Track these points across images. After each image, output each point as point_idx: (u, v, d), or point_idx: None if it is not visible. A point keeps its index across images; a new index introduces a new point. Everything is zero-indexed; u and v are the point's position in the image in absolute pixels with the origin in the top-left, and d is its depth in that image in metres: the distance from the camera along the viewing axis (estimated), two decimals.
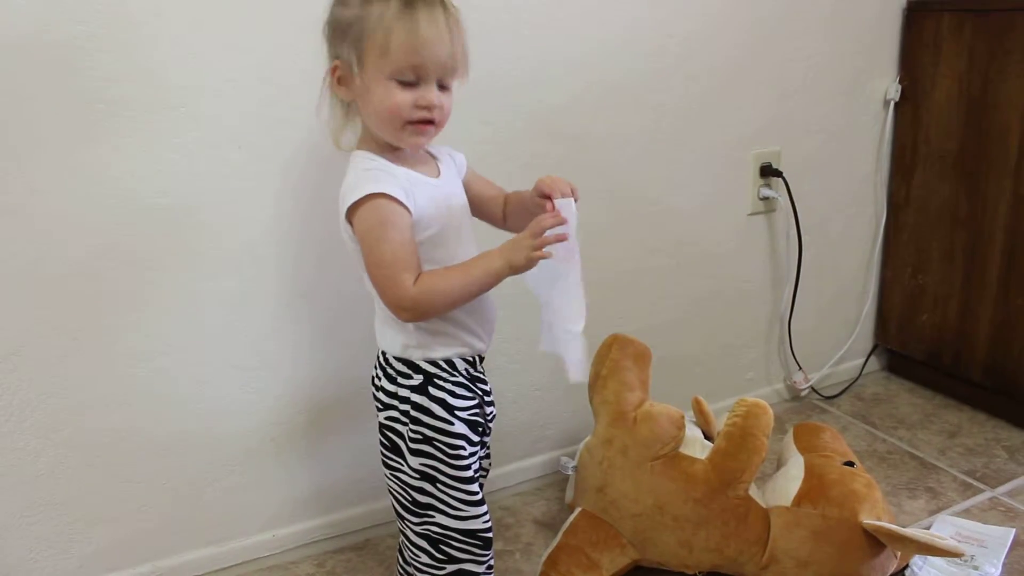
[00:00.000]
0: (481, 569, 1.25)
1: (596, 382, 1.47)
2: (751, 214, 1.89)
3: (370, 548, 1.58)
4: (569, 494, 1.54)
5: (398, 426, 1.18)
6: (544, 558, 1.43)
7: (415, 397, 1.16)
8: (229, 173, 1.36)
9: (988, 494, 1.68)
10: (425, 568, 1.24)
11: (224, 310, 1.42)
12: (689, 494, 1.38)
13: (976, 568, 1.43)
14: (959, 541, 1.47)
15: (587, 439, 1.49)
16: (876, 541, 1.34)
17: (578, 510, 1.46)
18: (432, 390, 1.17)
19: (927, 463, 1.80)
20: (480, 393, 1.23)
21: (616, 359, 1.46)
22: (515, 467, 1.75)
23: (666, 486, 1.38)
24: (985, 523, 1.57)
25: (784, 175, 1.86)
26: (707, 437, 1.52)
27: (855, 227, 2.06)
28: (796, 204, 1.88)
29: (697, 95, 1.73)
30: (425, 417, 1.17)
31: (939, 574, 1.43)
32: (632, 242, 1.75)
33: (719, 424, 1.46)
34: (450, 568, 1.23)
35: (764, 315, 1.99)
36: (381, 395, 1.19)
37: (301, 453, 1.54)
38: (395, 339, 1.17)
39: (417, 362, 1.17)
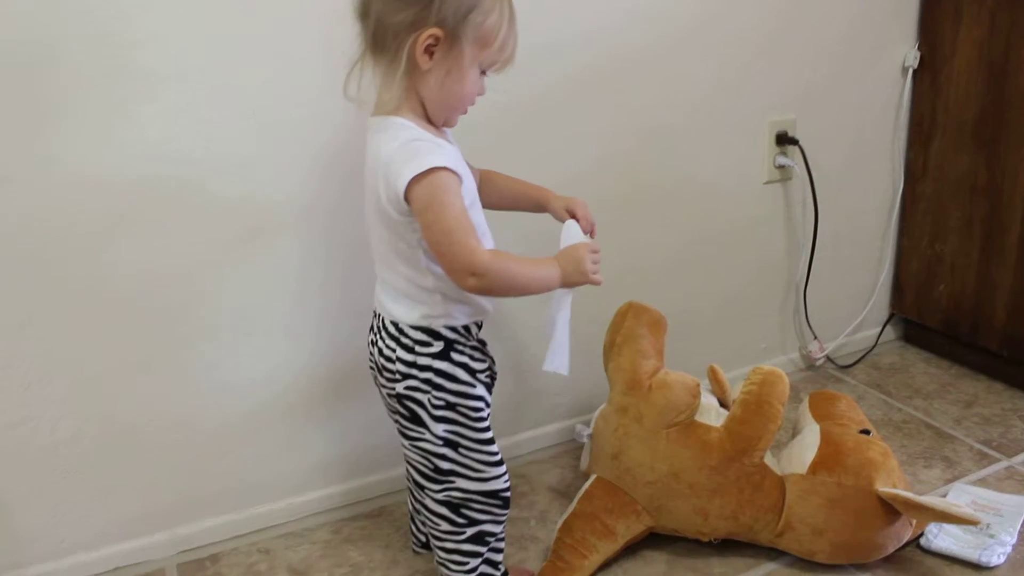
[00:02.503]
0: (499, 529, 1.27)
1: (611, 350, 1.47)
2: (767, 183, 1.88)
3: (385, 515, 1.59)
4: (584, 462, 1.54)
5: (418, 395, 1.18)
6: (559, 525, 1.43)
7: (437, 364, 1.17)
8: (244, 141, 1.36)
9: (1004, 463, 1.68)
10: (445, 535, 1.25)
11: (239, 279, 1.42)
12: (704, 462, 1.38)
13: (992, 536, 1.43)
14: (975, 509, 1.47)
15: (602, 407, 1.50)
16: (892, 509, 1.34)
17: (593, 477, 1.47)
18: (454, 355, 1.17)
19: (943, 432, 1.79)
20: (490, 355, 1.24)
21: (631, 327, 1.46)
22: (530, 435, 1.76)
23: (681, 454, 1.38)
24: (1001, 492, 1.57)
25: (800, 143, 1.85)
26: (722, 405, 1.52)
27: (872, 196, 2.05)
28: (812, 172, 1.87)
29: (712, 63, 1.72)
30: (448, 383, 1.17)
31: (954, 542, 1.43)
32: (646, 211, 1.74)
33: (735, 392, 1.46)
34: (470, 531, 1.24)
35: (779, 284, 1.99)
36: (397, 366, 1.18)
37: (317, 422, 1.55)
38: (413, 309, 1.17)
39: (438, 329, 1.17)
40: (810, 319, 2.01)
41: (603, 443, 1.46)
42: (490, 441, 1.21)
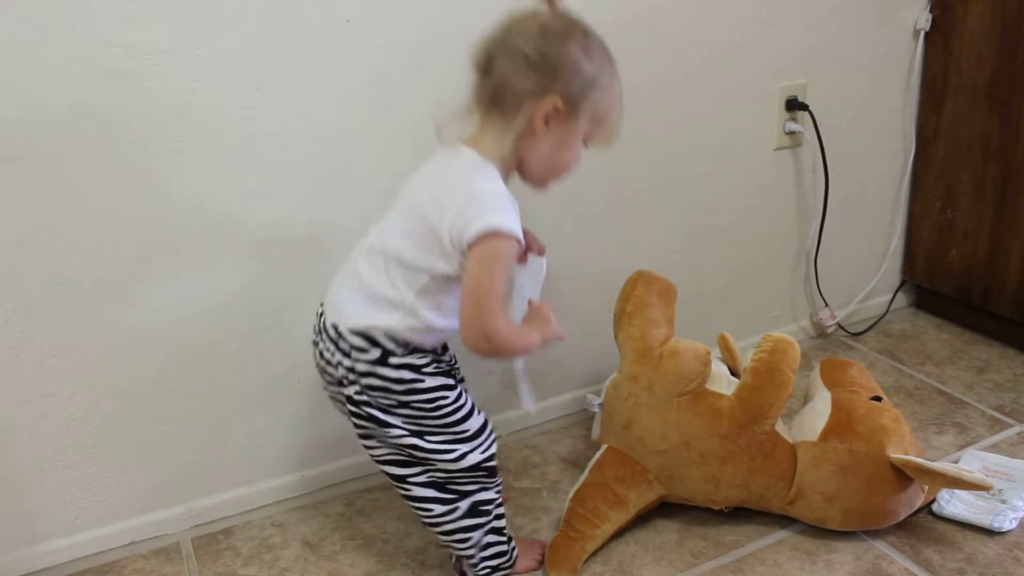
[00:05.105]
0: (493, 495, 1.25)
1: (621, 319, 1.47)
2: (776, 149, 1.86)
3: None
4: (595, 431, 1.54)
5: (366, 398, 1.16)
6: (571, 495, 1.43)
7: (379, 370, 1.14)
8: (249, 116, 1.35)
9: (1017, 428, 1.67)
10: (440, 518, 1.22)
11: (246, 253, 1.42)
12: (715, 430, 1.38)
13: (1004, 502, 1.43)
14: (987, 475, 1.46)
15: (613, 376, 1.49)
16: (903, 475, 1.34)
17: (604, 447, 1.47)
18: (393, 360, 1.15)
19: (955, 399, 1.79)
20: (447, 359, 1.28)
21: (641, 296, 1.45)
22: (541, 406, 1.75)
23: (692, 422, 1.38)
24: (1013, 457, 1.56)
25: (811, 108, 1.83)
26: (733, 373, 1.52)
27: (883, 161, 2.03)
28: (823, 138, 1.85)
29: (721, 27, 1.69)
30: (395, 386, 1.15)
31: (966, 508, 1.43)
32: (655, 178, 1.73)
33: (745, 360, 1.46)
34: (464, 504, 1.22)
35: (790, 251, 1.97)
36: (340, 371, 1.17)
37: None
38: (391, 316, 1.14)
39: (376, 338, 1.14)
40: (821, 286, 2.00)
41: (614, 412, 1.46)
42: (458, 422, 1.18)
